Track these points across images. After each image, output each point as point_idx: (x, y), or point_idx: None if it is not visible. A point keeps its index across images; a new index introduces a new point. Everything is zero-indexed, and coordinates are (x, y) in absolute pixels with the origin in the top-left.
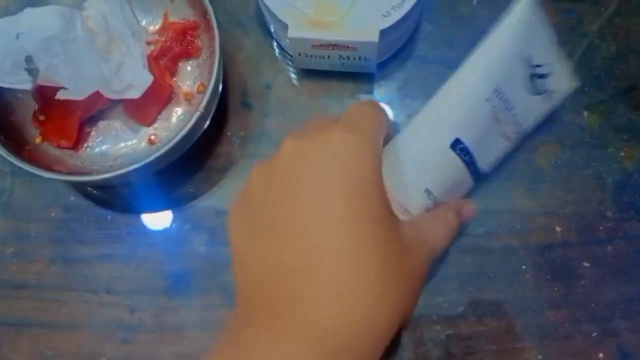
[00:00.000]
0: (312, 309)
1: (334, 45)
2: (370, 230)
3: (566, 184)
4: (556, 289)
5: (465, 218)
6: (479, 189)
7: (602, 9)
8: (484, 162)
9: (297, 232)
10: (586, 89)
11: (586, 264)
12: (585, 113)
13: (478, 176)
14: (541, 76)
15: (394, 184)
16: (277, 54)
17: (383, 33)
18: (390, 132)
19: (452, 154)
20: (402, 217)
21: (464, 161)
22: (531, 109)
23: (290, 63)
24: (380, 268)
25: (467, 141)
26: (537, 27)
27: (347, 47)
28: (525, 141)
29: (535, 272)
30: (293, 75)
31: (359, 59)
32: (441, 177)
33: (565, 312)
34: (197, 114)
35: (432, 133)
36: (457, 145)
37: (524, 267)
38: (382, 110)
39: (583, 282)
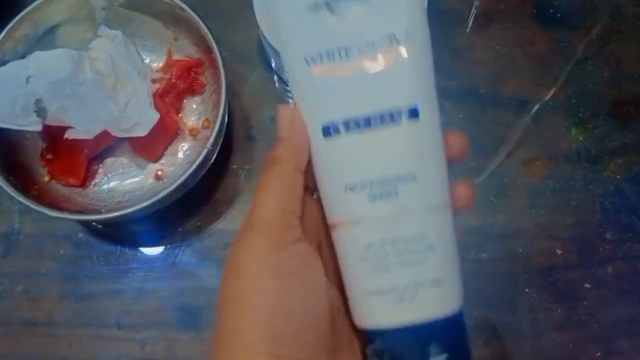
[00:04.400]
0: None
1: None
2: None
3: (565, 207)
4: (559, 310)
5: None
6: (483, 216)
7: (594, 37)
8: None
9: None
10: (580, 114)
11: (587, 286)
12: (581, 138)
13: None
14: None
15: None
16: (276, 86)
17: None
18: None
19: (330, 139)
20: (357, 231)
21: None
22: None
23: (290, 96)
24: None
25: (337, 119)
26: None
27: None
28: None
29: (539, 294)
30: None
31: None
32: (348, 165)
33: (570, 333)
34: (205, 151)
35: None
36: (330, 130)
37: (527, 290)
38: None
39: (585, 303)
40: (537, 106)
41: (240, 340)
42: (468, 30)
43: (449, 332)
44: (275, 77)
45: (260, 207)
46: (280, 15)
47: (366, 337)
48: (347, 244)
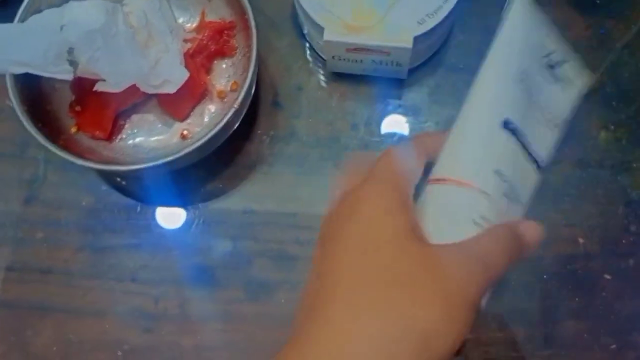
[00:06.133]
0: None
1: (368, 50)
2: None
3: (591, 196)
4: (577, 299)
5: (529, 240)
6: None
7: (632, 26)
8: (539, 149)
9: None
10: (613, 103)
11: (607, 277)
12: (613, 127)
13: (538, 166)
14: (555, 65)
15: (466, 170)
16: (308, 55)
17: (417, 40)
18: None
19: (506, 133)
20: (483, 202)
21: (521, 143)
22: (555, 98)
23: (320, 65)
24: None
25: (515, 121)
26: (542, 21)
27: (381, 51)
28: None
29: (557, 282)
30: (323, 78)
31: (392, 64)
32: (505, 157)
33: (585, 323)
34: (232, 110)
35: (482, 115)
36: (508, 125)
37: (545, 276)
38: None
39: (604, 294)
40: None
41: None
42: (504, 10)
43: None
44: (307, 45)
45: (380, 162)
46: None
47: None
48: (468, 202)
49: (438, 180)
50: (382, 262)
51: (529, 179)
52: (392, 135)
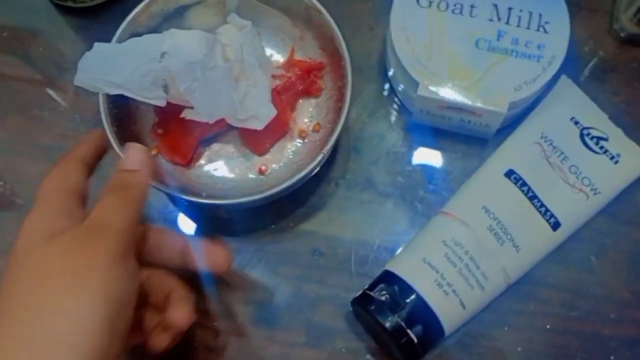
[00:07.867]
0: None
1: (460, 109)
2: None
3: None
4: None
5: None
6: (580, 274)
7: None
8: (556, 206)
9: None
10: None
11: None
12: None
13: (555, 224)
14: (594, 137)
15: (456, 205)
16: (392, 104)
17: (511, 105)
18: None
19: (507, 181)
20: (460, 229)
21: (522, 191)
22: (596, 167)
23: (404, 115)
24: None
25: (521, 173)
26: (579, 99)
27: (473, 112)
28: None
29: None
30: (406, 128)
31: (480, 124)
32: (498, 199)
33: None
34: (320, 156)
35: (490, 164)
36: (511, 174)
37: (612, 357)
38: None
39: None
40: None
41: None
42: (582, 77)
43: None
44: (387, 86)
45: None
46: None
47: (384, 278)
48: (444, 228)
49: (437, 213)
50: None
51: (535, 229)
52: None
